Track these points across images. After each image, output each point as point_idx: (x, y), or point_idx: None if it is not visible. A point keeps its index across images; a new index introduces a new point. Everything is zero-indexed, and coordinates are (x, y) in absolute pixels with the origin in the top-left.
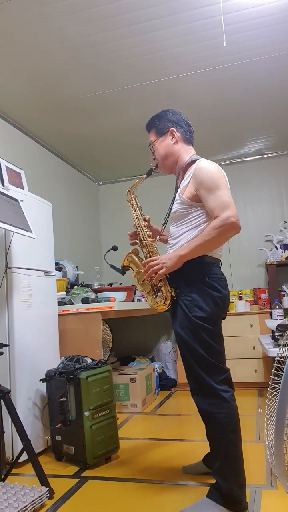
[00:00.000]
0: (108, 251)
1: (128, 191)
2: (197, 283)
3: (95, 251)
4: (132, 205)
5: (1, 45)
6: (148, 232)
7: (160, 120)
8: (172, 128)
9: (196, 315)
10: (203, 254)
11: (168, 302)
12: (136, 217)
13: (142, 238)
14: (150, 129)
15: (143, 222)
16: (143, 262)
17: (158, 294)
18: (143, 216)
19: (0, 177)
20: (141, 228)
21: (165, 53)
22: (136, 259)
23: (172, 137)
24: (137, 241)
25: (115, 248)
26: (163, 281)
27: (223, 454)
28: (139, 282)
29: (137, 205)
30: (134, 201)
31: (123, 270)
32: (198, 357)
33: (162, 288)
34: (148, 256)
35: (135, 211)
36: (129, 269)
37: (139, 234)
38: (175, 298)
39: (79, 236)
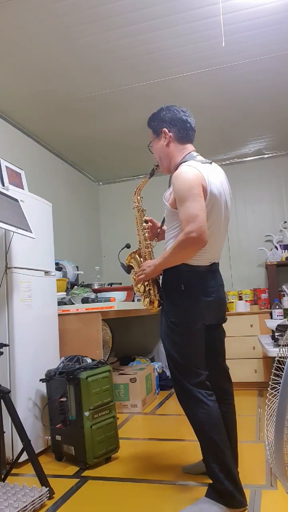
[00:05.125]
0: (122, 249)
1: (135, 193)
2: (174, 290)
3: (95, 251)
4: (135, 207)
5: (1, 45)
6: (146, 235)
7: (154, 121)
8: (164, 129)
9: (171, 320)
10: (180, 263)
11: (155, 304)
12: (136, 220)
13: (138, 241)
14: (149, 129)
15: (143, 224)
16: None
17: (150, 296)
18: (144, 218)
19: (0, 177)
20: (139, 231)
21: (165, 53)
22: (139, 258)
23: (165, 138)
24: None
25: (128, 246)
26: (149, 285)
27: (209, 454)
28: (134, 283)
29: (140, 206)
30: (137, 203)
31: (128, 269)
32: (174, 360)
33: (151, 291)
34: (144, 258)
35: (138, 212)
36: (133, 268)
37: (137, 236)
38: (162, 302)
39: (79, 236)
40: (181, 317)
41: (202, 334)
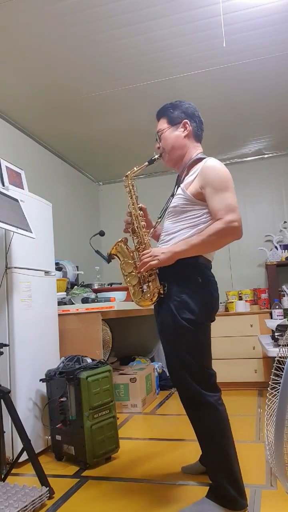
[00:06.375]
0: (94, 235)
1: (126, 176)
2: (189, 283)
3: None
4: (129, 191)
5: (2, 45)
6: (143, 222)
7: (175, 109)
8: (186, 120)
9: (184, 317)
10: (198, 255)
11: (154, 298)
12: (132, 205)
13: (135, 228)
14: (161, 116)
15: (139, 211)
16: (141, 255)
17: (145, 289)
18: (139, 205)
19: (0, 177)
20: (136, 217)
21: (165, 53)
22: (125, 248)
23: (184, 130)
24: (129, 230)
25: (102, 233)
26: (153, 275)
27: (215, 458)
28: (125, 274)
29: (134, 192)
30: (131, 187)
31: (109, 258)
32: (185, 363)
33: (151, 283)
34: (139, 247)
35: (131, 198)
36: (115, 258)
37: (133, 222)
38: (162, 296)
39: (79, 236)
40: (197, 314)
41: (210, 332)
